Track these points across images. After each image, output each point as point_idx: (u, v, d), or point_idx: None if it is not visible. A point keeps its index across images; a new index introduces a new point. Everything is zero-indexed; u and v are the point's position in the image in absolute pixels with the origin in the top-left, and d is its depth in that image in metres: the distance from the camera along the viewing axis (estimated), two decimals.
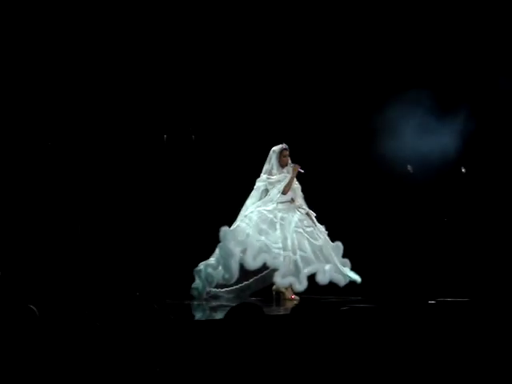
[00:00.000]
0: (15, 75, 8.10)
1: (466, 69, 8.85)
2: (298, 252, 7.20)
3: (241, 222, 7.35)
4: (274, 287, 7.29)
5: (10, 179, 8.09)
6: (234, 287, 7.34)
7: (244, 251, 7.15)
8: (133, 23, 8.48)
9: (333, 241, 7.47)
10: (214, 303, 7.08)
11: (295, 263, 7.19)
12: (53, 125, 8.31)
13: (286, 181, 7.40)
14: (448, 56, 8.88)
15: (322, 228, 7.48)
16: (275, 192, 7.39)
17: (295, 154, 7.57)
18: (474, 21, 8.77)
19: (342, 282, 7.27)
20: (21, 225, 8.05)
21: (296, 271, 7.19)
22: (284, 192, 7.39)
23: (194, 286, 7.34)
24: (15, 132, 8.15)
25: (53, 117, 8.31)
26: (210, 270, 7.29)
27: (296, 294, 7.23)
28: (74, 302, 6.67)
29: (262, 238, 7.18)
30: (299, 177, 7.53)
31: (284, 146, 7.50)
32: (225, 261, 7.20)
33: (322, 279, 7.19)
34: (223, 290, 7.38)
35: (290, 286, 7.25)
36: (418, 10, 8.84)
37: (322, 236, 7.41)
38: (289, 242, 7.20)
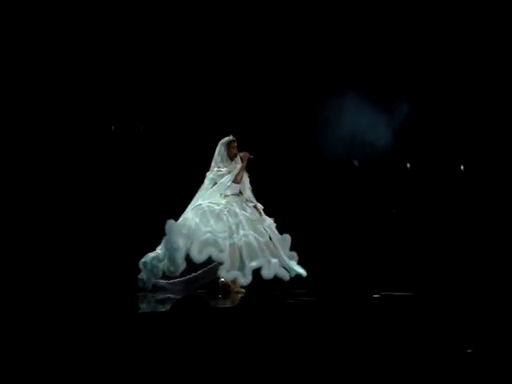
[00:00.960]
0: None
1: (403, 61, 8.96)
2: (245, 247, 7.21)
3: (187, 215, 7.33)
4: (220, 280, 7.29)
5: None
6: (182, 279, 7.32)
7: (190, 244, 7.14)
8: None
9: (281, 233, 7.49)
10: (161, 295, 7.05)
11: (240, 257, 7.20)
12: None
13: (238, 168, 7.40)
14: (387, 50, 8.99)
15: (269, 221, 7.49)
16: (224, 182, 7.38)
17: (242, 146, 7.56)
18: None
19: (286, 276, 7.32)
20: None
21: (241, 265, 7.21)
22: (236, 180, 7.39)
23: (139, 277, 7.32)
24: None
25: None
26: (155, 261, 7.28)
27: (242, 286, 7.24)
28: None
29: (208, 229, 7.16)
30: (247, 169, 7.53)
31: (231, 137, 7.49)
32: (170, 254, 7.18)
33: (267, 274, 7.22)
34: (170, 281, 7.36)
35: (236, 279, 7.26)
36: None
37: (268, 230, 7.43)
38: (235, 236, 7.20)
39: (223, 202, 7.35)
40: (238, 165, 7.44)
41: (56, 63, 8.32)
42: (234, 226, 7.24)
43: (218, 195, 7.38)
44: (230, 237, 7.20)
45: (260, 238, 7.31)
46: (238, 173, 7.39)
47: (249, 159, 7.45)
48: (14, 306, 5.63)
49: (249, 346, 3.41)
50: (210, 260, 7.22)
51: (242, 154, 7.45)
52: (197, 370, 3.21)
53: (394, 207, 9.20)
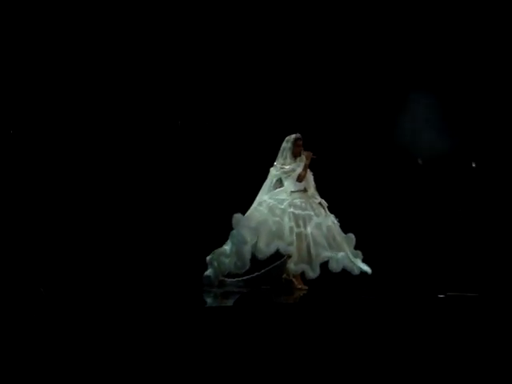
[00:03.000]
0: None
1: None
2: (312, 241, 7.19)
3: (254, 210, 7.36)
4: (283, 276, 7.31)
5: None
6: (245, 277, 7.36)
7: (257, 238, 7.15)
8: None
9: (344, 231, 7.48)
10: (225, 290, 7.10)
11: (308, 250, 7.19)
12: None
13: (302, 167, 7.41)
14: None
15: (333, 218, 7.48)
16: (290, 182, 7.40)
17: (308, 144, 7.57)
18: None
19: (355, 270, 7.23)
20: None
21: (309, 258, 7.19)
22: (299, 179, 7.40)
23: (206, 274, 7.34)
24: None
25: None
26: (222, 258, 7.27)
27: (305, 283, 7.25)
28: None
29: (277, 219, 7.18)
30: (311, 167, 7.54)
31: (298, 135, 7.49)
32: (237, 248, 7.16)
33: (335, 267, 7.17)
34: (234, 279, 7.40)
35: (299, 276, 7.27)
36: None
37: (333, 226, 7.41)
38: (303, 236, 7.20)
39: (288, 198, 7.36)
40: (302, 163, 7.45)
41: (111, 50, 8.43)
42: (300, 221, 7.24)
43: (283, 192, 7.40)
44: (297, 229, 7.19)
45: (326, 232, 7.29)
46: (301, 172, 7.40)
47: (312, 159, 7.45)
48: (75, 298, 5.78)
49: (311, 342, 3.43)
50: (274, 258, 7.23)
51: (306, 153, 7.46)
52: (259, 364, 3.25)
53: (460, 206, 9.08)
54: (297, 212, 7.29)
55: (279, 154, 7.51)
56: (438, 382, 3.71)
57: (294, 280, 7.25)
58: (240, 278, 7.35)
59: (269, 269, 7.35)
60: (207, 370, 3.25)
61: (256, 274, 7.35)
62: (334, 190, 7.93)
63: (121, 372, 3.73)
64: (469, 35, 8.91)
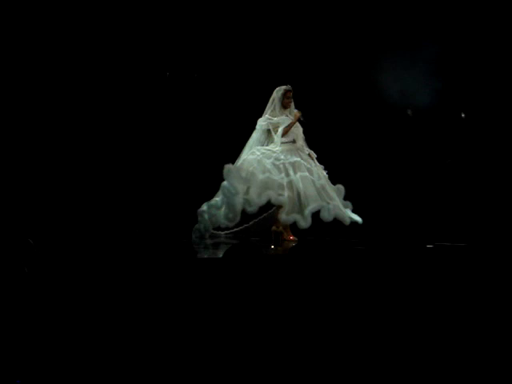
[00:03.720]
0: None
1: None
2: (303, 191, 7.17)
3: (244, 161, 7.32)
4: (273, 228, 7.32)
5: None
6: (234, 229, 7.35)
7: (248, 189, 7.13)
8: None
9: (333, 183, 7.47)
10: (215, 241, 7.11)
11: (299, 200, 7.17)
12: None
13: (285, 124, 7.35)
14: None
15: (322, 170, 7.46)
16: (278, 133, 7.37)
17: (297, 96, 7.52)
18: None
19: (346, 219, 7.24)
20: None
21: (300, 208, 7.18)
22: (283, 133, 7.36)
23: (196, 227, 7.34)
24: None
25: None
26: (213, 210, 7.26)
27: (294, 234, 7.27)
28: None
29: (266, 174, 7.15)
30: (301, 120, 7.51)
31: (288, 87, 7.41)
32: (228, 199, 7.13)
33: (327, 216, 7.15)
34: (223, 232, 7.40)
35: (289, 227, 7.29)
36: None
37: (322, 176, 7.40)
38: (293, 184, 7.18)
39: (277, 149, 7.33)
40: (290, 116, 7.39)
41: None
42: (290, 170, 7.21)
43: (272, 143, 7.37)
44: (287, 178, 7.17)
45: (317, 181, 7.26)
46: (285, 128, 7.34)
47: (299, 119, 7.39)
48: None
49: (300, 294, 3.43)
50: (264, 210, 7.23)
51: (296, 110, 7.39)
52: (249, 318, 3.25)
53: (448, 157, 9.08)
54: (286, 161, 7.26)
55: (268, 105, 7.45)
56: (429, 334, 3.73)
57: (283, 231, 7.26)
58: (230, 231, 7.35)
59: (258, 219, 7.35)
60: (198, 324, 3.26)
61: (245, 225, 7.35)
62: (323, 142, 7.90)
63: (112, 325, 3.74)
64: None
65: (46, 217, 7.67)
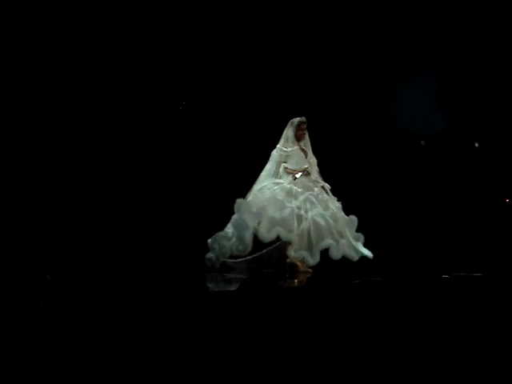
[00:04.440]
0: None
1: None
2: (313, 227, 7.19)
3: (256, 194, 7.34)
4: (288, 259, 7.30)
5: None
6: (248, 257, 7.36)
7: (258, 223, 7.15)
8: None
9: (347, 214, 7.46)
10: (228, 275, 7.11)
11: (308, 236, 7.18)
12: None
13: (293, 163, 7.37)
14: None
15: (336, 201, 7.46)
16: (292, 166, 7.40)
17: (312, 129, 7.55)
18: None
19: (354, 257, 7.26)
20: None
21: (309, 245, 7.19)
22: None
23: (207, 256, 7.37)
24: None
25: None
26: (224, 241, 7.30)
27: (310, 267, 7.24)
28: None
29: (278, 211, 7.17)
30: (315, 151, 7.53)
31: (302, 119, 7.46)
32: (239, 233, 7.21)
33: (335, 254, 7.18)
34: (237, 260, 7.40)
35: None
36: None
37: (335, 210, 7.40)
38: (303, 219, 7.18)
39: (291, 181, 7.34)
40: (306, 148, 7.42)
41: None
42: (302, 205, 7.22)
43: (286, 176, 7.38)
44: (299, 213, 7.17)
45: (328, 218, 7.27)
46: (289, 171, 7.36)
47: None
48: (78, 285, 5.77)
49: (316, 325, 3.41)
50: (278, 239, 7.23)
51: (305, 169, 7.37)
52: (265, 349, 3.23)
53: (462, 187, 9.07)
54: (299, 196, 7.27)
55: (282, 137, 7.49)
56: (443, 363, 3.70)
57: (298, 263, 7.24)
58: (242, 259, 7.36)
59: (270, 249, 7.35)
60: (210, 356, 3.24)
61: (258, 253, 7.35)
62: (337, 173, 7.91)
63: (123, 359, 3.72)
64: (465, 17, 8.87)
65: (63, 253, 7.66)
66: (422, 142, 9.15)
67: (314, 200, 7.29)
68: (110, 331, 4.05)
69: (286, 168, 7.38)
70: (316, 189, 7.40)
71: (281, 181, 7.37)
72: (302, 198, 7.26)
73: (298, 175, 7.32)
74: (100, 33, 8.22)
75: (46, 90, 8.09)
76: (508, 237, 8.54)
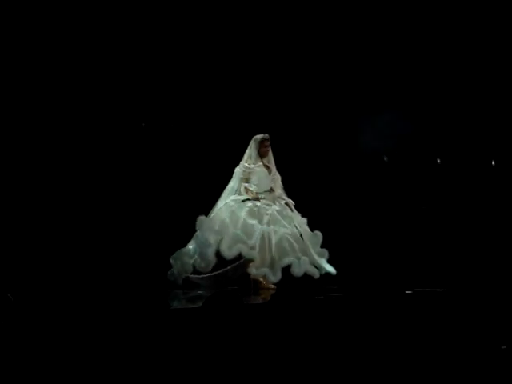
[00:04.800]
0: None
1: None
2: (275, 244, 7.19)
3: (218, 211, 7.34)
4: (251, 276, 7.28)
5: None
6: (212, 274, 7.33)
7: (220, 240, 7.15)
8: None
9: (312, 230, 7.47)
10: (192, 292, 7.07)
11: (270, 254, 7.19)
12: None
13: (255, 184, 7.37)
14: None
15: (300, 217, 7.48)
16: (255, 182, 7.40)
17: (276, 145, 7.56)
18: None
19: (316, 274, 7.28)
20: None
21: (271, 263, 7.19)
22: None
23: (170, 272, 7.34)
24: None
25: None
26: (185, 258, 7.30)
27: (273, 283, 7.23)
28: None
29: (239, 229, 7.17)
30: (280, 167, 7.55)
31: (265, 135, 7.48)
32: (201, 250, 7.21)
33: (297, 271, 7.19)
34: (200, 276, 7.37)
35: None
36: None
37: (299, 226, 7.41)
38: (265, 235, 7.19)
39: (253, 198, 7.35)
40: (269, 164, 7.43)
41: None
42: (265, 220, 7.23)
43: (248, 192, 7.38)
44: (261, 230, 7.17)
45: (290, 235, 7.28)
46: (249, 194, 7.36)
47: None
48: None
49: (280, 342, 3.40)
50: (240, 256, 7.22)
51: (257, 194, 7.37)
52: (228, 365, 3.21)
53: (425, 203, 9.14)
54: (262, 212, 7.28)
55: (245, 154, 7.50)
56: (406, 378, 3.71)
57: (262, 280, 7.23)
58: (205, 275, 7.32)
59: (233, 266, 7.33)
60: (174, 375, 3.21)
61: (222, 270, 7.32)
62: (302, 189, 7.93)
63: (82, 376, 3.67)
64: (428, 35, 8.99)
65: (23, 271, 7.53)
66: (385, 158, 9.22)
67: (278, 216, 7.31)
68: (70, 348, 3.99)
69: (245, 188, 7.39)
70: (279, 205, 7.41)
71: (244, 197, 7.37)
72: (264, 214, 7.27)
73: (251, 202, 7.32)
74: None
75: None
76: (469, 252, 8.62)
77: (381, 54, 9.04)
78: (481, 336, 4.26)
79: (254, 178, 7.43)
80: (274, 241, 7.20)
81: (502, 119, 8.98)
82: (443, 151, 9.22)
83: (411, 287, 6.88)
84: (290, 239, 7.26)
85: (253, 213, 7.27)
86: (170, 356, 3.67)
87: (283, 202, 7.46)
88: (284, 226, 7.29)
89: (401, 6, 8.93)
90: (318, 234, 7.47)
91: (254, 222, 7.22)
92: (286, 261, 7.18)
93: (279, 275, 7.16)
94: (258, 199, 7.33)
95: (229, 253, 7.13)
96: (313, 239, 7.44)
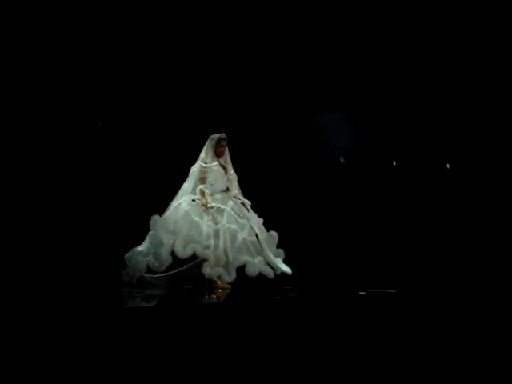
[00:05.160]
0: None
1: None
2: (230, 244, 7.20)
3: (172, 211, 7.32)
4: (206, 275, 7.28)
5: None
6: (167, 274, 7.31)
7: (174, 240, 7.13)
8: None
9: (267, 230, 7.49)
10: (146, 291, 7.04)
11: (225, 254, 7.19)
12: None
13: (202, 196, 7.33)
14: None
15: (256, 218, 7.49)
16: (211, 181, 7.38)
17: (232, 145, 7.56)
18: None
19: (271, 274, 7.32)
20: None
21: (225, 262, 7.20)
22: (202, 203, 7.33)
23: (124, 271, 7.31)
24: None
25: None
26: (139, 257, 7.28)
27: (228, 283, 7.23)
28: None
29: (193, 229, 7.16)
30: (236, 167, 7.55)
31: (222, 135, 7.47)
32: (155, 249, 7.20)
33: (252, 272, 7.22)
34: (155, 276, 7.34)
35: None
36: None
37: (255, 226, 7.42)
38: (220, 235, 7.19)
39: (208, 198, 7.33)
40: (226, 165, 7.41)
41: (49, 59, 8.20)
42: (219, 218, 7.23)
43: (203, 197, 7.34)
44: (215, 241, 7.18)
45: (245, 235, 7.30)
46: (202, 201, 7.30)
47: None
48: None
49: (235, 342, 3.40)
50: (195, 256, 7.21)
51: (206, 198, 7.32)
52: (183, 366, 3.20)
53: (380, 205, 9.23)
54: (216, 210, 7.27)
55: (202, 153, 7.48)
56: (360, 379, 3.74)
57: (216, 280, 7.23)
58: (161, 275, 7.30)
59: (189, 266, 7.32)
60: (127, 375, 3.19)
61: (178, 269, 7.30)
62: (257, 189, 7.94)
63: (39, 376, 3.64)
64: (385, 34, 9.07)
65: None
66: (341, 159, 9.29)
67: (233, 216, 7.31)
68: (24, 346, 3.95)
69: (201, 190, 7.34)
70: (235, 205, 7.41)
71: (198, 197, 7.35)
72: (219, 214, 7.27)
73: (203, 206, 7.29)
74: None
75: None
76: (422, 253, 8.72)
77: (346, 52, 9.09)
78: (433, 337, 4.31)
79: (210, 178, 7.42)
80: (228, 240, 7.21)
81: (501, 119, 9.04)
82: (399, 153, 9.32)
83: (365, 288, 6.95)
84: (246, 239, 7.28)
85: (207, 213, 7.26)
86: (125, 355, 3.65)
87: (239, 202, 7.47)
88: (240, 226, 7.30)
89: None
90: (274, 234, 7.49)
91: (208, 222, 7.22)
92: (241, 260, 7.20)
93: (234, 275, 7.18)
94: (207, 207, 7.27)
95: (183, 253, 7.13)
96: (269, 239, 7.46)
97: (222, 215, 7.29)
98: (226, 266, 7.20)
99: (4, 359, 3.71)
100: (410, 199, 9.10)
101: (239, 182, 7.60)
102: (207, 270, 7.18)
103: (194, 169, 7.45)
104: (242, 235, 7.28)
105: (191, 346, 3.23)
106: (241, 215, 7.39)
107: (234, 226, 7.27)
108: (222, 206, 7.33)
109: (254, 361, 3.31)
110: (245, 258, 7.22)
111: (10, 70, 8.02)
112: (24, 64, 8.11)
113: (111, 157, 8.61)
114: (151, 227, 7.25)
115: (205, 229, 7.18)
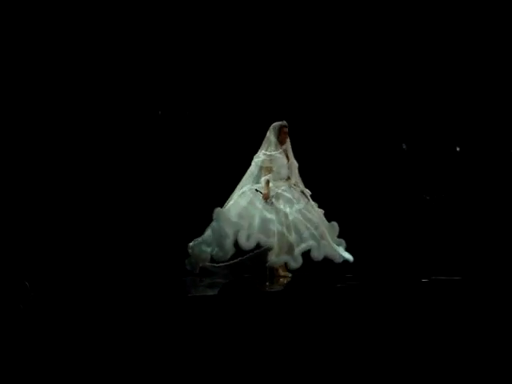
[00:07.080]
0: None
1: None
2: (293, 230, 7.19)
3: (236, 200, 7.34)
4: (267, 263, 7.29)
5: None
6: (229, 263, 7.35)
7: (238, 232, 7.15)
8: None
9: (328, 221, 7.47)
10: (208, 280, 7.09)
11: (289, 240, 7.18)
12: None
13: (264, 186, 7.33)
14: None
15: (316, 208, 7.47)
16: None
17: (293, 134, 7.54)
18: None
19: (337, 257, 7.25)
20: None
21: (290, 249, 7.19)
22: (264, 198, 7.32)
23: (187, 260, 7.37)
24: None
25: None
26: (203, 247, 7.31)
27: (290, 271, 7.24)
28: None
29: (255, 219, 7.17)
30: (297, 156, 7.53)
31: (283, 122, 7.46)
32: (218, 241, 7.22)
33: (317, 255, 7.17)
34: (217, 265, 7.39)
35: (283, 264, 7.27)
36: None
37: (316, 214, 7.40)
38: (283, 220, 7.19)
39: (271, 187, 7.34)
40: (287, 152, 7.41)
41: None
42: (282, 205, 7.23)
43: (265, 189, 7.34)
44: (279, 226, 7.17)
45: (308, 220, 7.27)
46: (264, 193, 7.29)
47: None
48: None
49: (297, 329, 3.41)
50: (258, 245, 7.22)
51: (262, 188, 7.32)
52: (245, 352, 3.23)
53: (443, 191, 9.11)
54: (279, 199, 7.27)
55: (263, 142, 7.48)
56: (423, 367, 3.71)
57: (278, 268, 7.24)
58: (222, 264, 7.34)
59: (251, 255, 7.34)
60: (191, 362, 3.22)
61: (239, 259, 7.33)
62: (318, 179, 7.91)
63: (101, 363, 3.70)
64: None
65: (41, 259, 7.59)
66: (404, 146, 9.19)
67: (295, 202, 7.29)
68: (88, 336, 4.03)
69: (265, 180, 7.33)
70: (295, 192, 7.40)
71: (261, 186, 7.36)
72: (281, 200, 7.27)
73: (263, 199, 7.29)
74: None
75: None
76: (487, 240, 8.59)
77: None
78: (496, 325, 4.25)
79: (275, 166, 7.40)
80: (292, 224, 7.18)
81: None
82: (463, 138, 9.19)
83: (428, 276, 6.88)
84: (308, 224, 7.25)
85: (268, 202, 7.25)
86: (188, 343, 3.70)
87: (299, 190, 7.45)
88: (302, 213, 7.28)
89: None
90: (335, 224, 7.47)
91: (271, 210, 7.22)
92: (306, 246, 7.16)
93: (300, 261, 7.14)
94: (267, 201, 7.28)
95: (247, 244, 7.14)
96: (330, 230, 7.43)
97: (284, 203, 7.28)
98: (291, 252, 7.18)
99: (67, 346, 3.79)
100: (474, 185, 8.96)
101: (299, 170, 7.58)
102: (273, 258, 7.17)
103: (258, 158, 7.45)
104: (305, 220, 7.25)
105: (253, 333, 3.25)
106: (302, 202, 7.37)
107: (297, 212, 7.25)
108: (287, 194, 7.32)
109: (317, 347, 3.32)
110: (309, 242, 7.18)
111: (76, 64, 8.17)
112: (92, 60, 8.26)
113: (175, 149, 8.70)
114: (214, 220, 7.28)
115: (268, 217, 7.18)
